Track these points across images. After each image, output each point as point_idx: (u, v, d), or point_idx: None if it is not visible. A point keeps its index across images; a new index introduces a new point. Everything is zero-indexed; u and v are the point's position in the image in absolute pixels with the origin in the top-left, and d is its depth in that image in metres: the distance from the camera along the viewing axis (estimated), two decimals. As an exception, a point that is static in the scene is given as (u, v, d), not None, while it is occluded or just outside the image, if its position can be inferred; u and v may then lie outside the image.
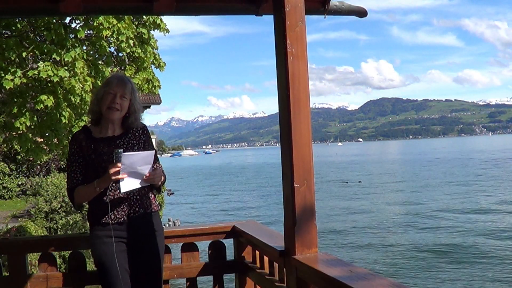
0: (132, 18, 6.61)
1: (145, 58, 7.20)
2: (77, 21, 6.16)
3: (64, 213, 12.32)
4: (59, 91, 5.85)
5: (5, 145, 15.11)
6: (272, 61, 2.38)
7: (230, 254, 3.24)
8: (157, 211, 2.62)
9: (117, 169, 2.27)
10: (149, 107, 20.72)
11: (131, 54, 7.05)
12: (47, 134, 6.27)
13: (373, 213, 24.66)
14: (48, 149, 6.62)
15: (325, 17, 2.87)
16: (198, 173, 71.80)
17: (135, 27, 6.76)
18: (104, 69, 6.50)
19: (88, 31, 6.23)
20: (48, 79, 5.63)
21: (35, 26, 5.96)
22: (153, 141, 2.73)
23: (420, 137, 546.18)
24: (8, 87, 5.47)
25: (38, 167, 18.50)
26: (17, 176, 18.21)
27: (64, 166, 17.84)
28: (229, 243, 3.22)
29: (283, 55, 2.25)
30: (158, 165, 2.57)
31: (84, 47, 6.46)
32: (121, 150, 2.32)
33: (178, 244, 3.22)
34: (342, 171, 56.22)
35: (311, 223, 2.25)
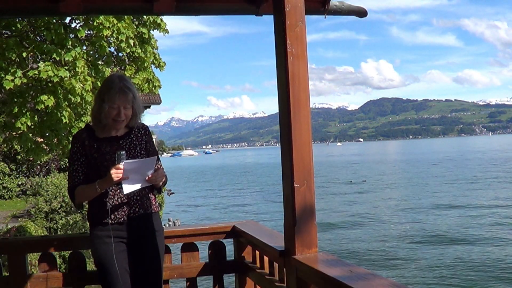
0: (132, 18, 6.61)
1: (145, 58, 7.19)
2: (77, 21, 6.16)
3: (64, 213, 12.32)
4: (60, 91, 5.85)
5: (5, 145, 15.11)
6: (272, 61, 2.40)
7: (230, 254, 3.24)
8: (157, 211, 2.63)
9: (119, 170, 2.29)
10: (149, 107, 20.73)
11: (131, 54, 7.05)
12: (47, 134, 6.27)
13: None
14: (48, 149, 6.61)
15: (325, 17, 2.87)
16: (198, 173, 71.78)
17: (135, 27, 6.76)
18: (104, 69, 6.49)
19: (88, 31, 6.23)
20: (49, 79, 5.63)
21: (35, 26, 5.96)
22: (153, 141, 2.74)
23: (420, 137, 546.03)
24: (8, 88, 5.47)
25: (38, 167, 18.50)
26: (17, 176, 18.20)
27: (64, 166, 17.84)
28: (229, 243, 3.22)
29: (283, 55, 2.25)
30: (159, 165, 2.58)
31: (84, 47, 6.45)
32: (123, 152, 2.35)
33: (178, 244, 3.22)
34: (346, 171, 56.11)
35: (311, 223, 2.25)
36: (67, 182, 2.59)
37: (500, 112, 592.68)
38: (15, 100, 5.87)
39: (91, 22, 6.01)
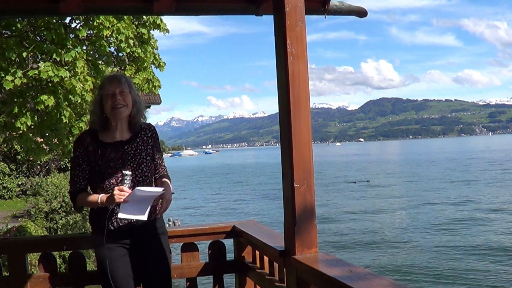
0: (132, 18, 6.61)
1: (145, 58, 7.20)
2: (77, 21, 6.16)
3: (64, 213, 12.32)
4: (60, 91, 5.85)
5: (5, 145, 15.12)
6: (272, 61, 2.43)
7: (230, 254, 3.24)
8: (161, 217, 2.56)
9: (123, 193, 2.24)
10: (149, 107, 20.71)
11: (131, 54, 7.05)
12: (47, 134, 6.27)
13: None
14: (48, 149, 6.61)
15: (325, 17, 2.87)
16: (198, 173, 71.77)
17: (135, 27, 6.76)
18: (104, 69, 6.49)
19: (88, 31, 6.24)
20: (49, 79, 5.63)
21: (35, 26, 5.96)
22: (159, 143, 2.67)
23: (420, 137, 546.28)
24: (8, 88, 5.47)
25: (38, 167, 18.51)
26: (17, 176, 18.21)
27: (64, 166, 17.86)
28: (229, 243, 3.22)
29: (283, 55, 2.25)
30: (162, 164, 2.56)
31: (84, 47, 6.46)
32: (130, 173, 2.32)
33: (178, 244, 3.22)
34: (349, 170, 56.05)
35: (311, 223, 2.25)
36: (68, 183, 2.57)
37: (500, 112, 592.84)
38: (15, 100, 5.87)
39: (91, 22, 6.01)
